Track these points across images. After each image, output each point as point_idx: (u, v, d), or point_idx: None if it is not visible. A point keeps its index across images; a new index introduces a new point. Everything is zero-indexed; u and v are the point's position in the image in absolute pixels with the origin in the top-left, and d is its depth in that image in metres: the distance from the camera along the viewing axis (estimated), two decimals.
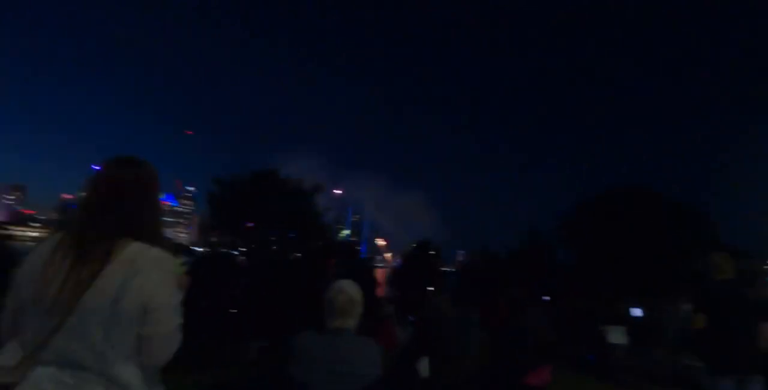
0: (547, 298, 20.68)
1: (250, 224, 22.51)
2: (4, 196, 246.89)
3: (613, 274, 18.22)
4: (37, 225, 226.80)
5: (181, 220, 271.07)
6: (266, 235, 22.70)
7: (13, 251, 4.88)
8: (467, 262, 28.35)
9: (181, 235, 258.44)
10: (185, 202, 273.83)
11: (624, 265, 18.53)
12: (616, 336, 6.62)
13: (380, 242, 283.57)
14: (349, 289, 2.46)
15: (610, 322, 7.01)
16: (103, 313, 1.36)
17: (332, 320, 2.34)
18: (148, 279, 1.43)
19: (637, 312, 7.44)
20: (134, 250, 1.46)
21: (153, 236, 1.55)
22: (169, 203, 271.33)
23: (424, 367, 3.35)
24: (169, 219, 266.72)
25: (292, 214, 21.65)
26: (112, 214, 1.51)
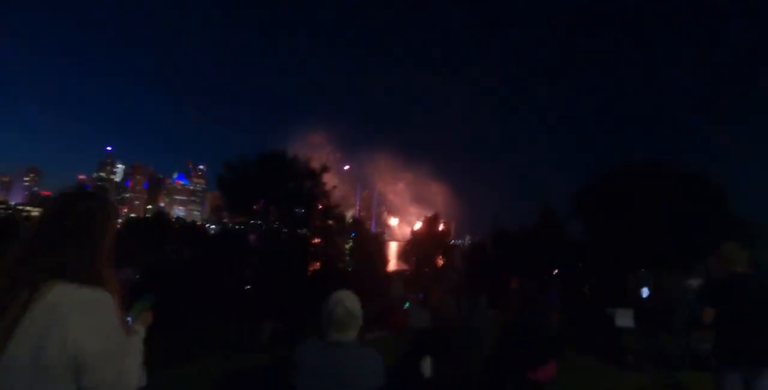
0: (556, 271, 20.70)
1: (257, 205, 22.68)
2: (21, 178, 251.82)
3: (625, 247, 18.07)
4: None
5: (194, 198, 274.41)
6: (275, 215, 22.88)
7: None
8: (475, 246, 28.49)
9: (194, 212, 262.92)
10: (197, 180, 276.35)
11: (637, 238, 18.33)
12: (624, 319, 6.55)
13: (391, 217, 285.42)
14: (347, 301, 2.32)
15: (619, 304, 6.95)
16: (25, 367, 1.21)
17: (331, 333, 2.24)
18: (73, 327, 1.25)
19: (645, 293, 7.36)
20: (58, 293, 1.30)
21: (89, 276, 1.38)
22: (181, 182, 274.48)
23: (426, 367, 3.30)
24: (181, 197, 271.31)
25: (299, 194, 21.72)
26: (51, 252, 1.37)
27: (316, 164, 23.53)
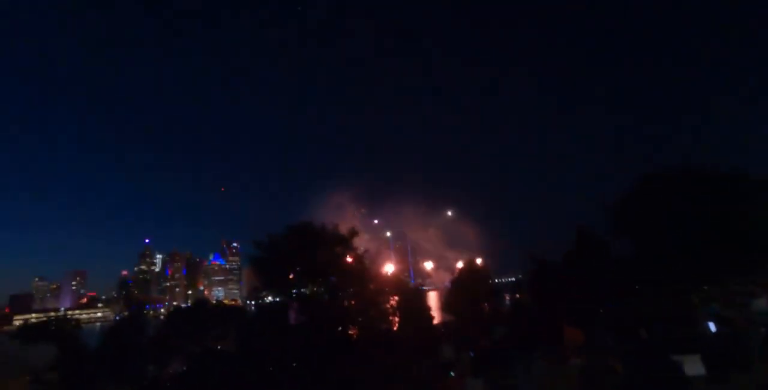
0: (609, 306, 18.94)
1: (291, 278, 22.73)
2: (69, 283, 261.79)
3: (679, 263, 16.68)
4: (101, 305, 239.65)
5: (231, 277, 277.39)
6: (311, 286, 22.80)
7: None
8: (517, 302, 27.02)
9: (233, 291, 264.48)
10: (232, 258, 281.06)
11: (692, 253, 16.82)
12: (693, 366, 5.66)
13: (427, 265, 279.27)
14: None
15: (683, 346, 6.10)
16: None
17: None
18: None
19: (712, 327, 6.63)
20: None
21: None
22: (217, 262, 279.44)
23: None
24: (219, 277, 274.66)
25: (331, 262, 21.75)
26: None
27: (344, 229, 23.77)
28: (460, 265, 37.12)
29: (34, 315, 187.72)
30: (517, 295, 24.64)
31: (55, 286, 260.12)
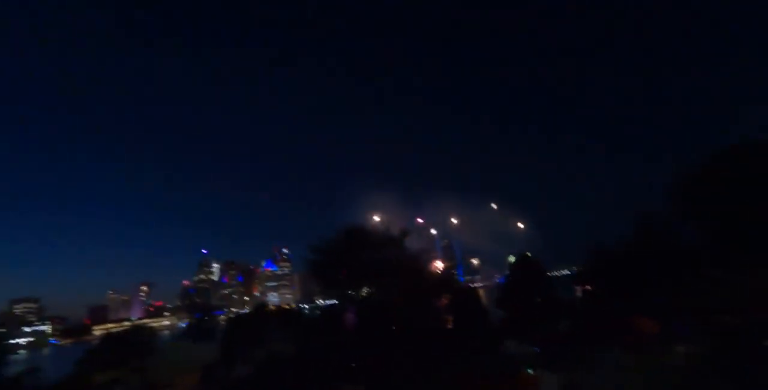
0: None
1: (344, 278, 23.20)
2: (137, 294, 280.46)
3: (757, 246, 15.33)
4: (167, 314, 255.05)
5: (284, 282, 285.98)
6: (365, 287, 23.18)
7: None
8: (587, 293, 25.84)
9: (286, 296, 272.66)
10: (283, 264, 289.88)
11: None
12: None
13: (475, 261, 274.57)
14: None
15: None
16: None
17: None
18: None
19: None
20: None
21: None
22: (270, 269, 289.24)
23: None
24: (272, 283, 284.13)
25: (384, 262, 22.00)
26: None
27: (394, 229, 23.99)
28: (511, 259, 36.35)
29: (110, 325, 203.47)
30: (587, 287, 23.66)
31: (126, 298, 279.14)
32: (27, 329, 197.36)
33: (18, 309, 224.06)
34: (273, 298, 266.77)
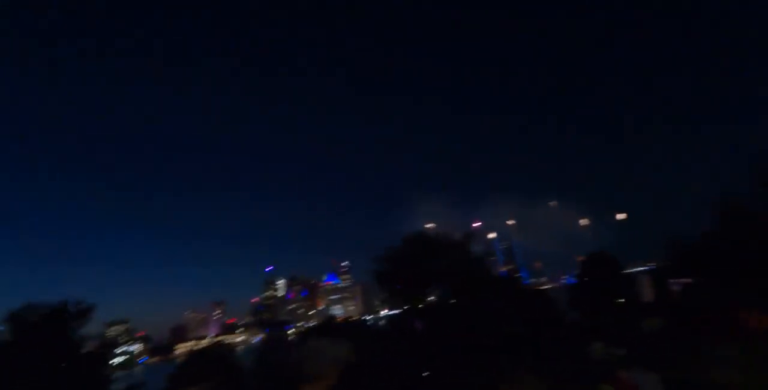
0: None
1: (408, 286, 23.33)
2: (212, 313, 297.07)
3: None
4: (239, 331, 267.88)
5: (346, 295, 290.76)
6: (434, 293, 23.22)
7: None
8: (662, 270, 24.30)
9: (349, 308, 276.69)
10: (344, 277, 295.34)
11: None
12: None
13: (538, 264, 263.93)
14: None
15: None
16: None
17: None
18: None
19: None
20: None
21: None
22: (332, 282, 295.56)
23: None
24: (335, 296, 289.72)
25: (452, 267, 21.96)
26: None
27: (457, 234, 23.95)
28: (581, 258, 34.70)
29: (191, 343, 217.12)
30: (680, 281, 22.08)
31: (202, 316, 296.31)
32: (118, 350, 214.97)
33: (111, 331, 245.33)
34: (337, 311, 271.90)
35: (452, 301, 22.25)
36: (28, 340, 16.09)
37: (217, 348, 41.47)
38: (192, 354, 41.52)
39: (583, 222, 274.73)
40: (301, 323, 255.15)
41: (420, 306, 23.79)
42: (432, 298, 22.95)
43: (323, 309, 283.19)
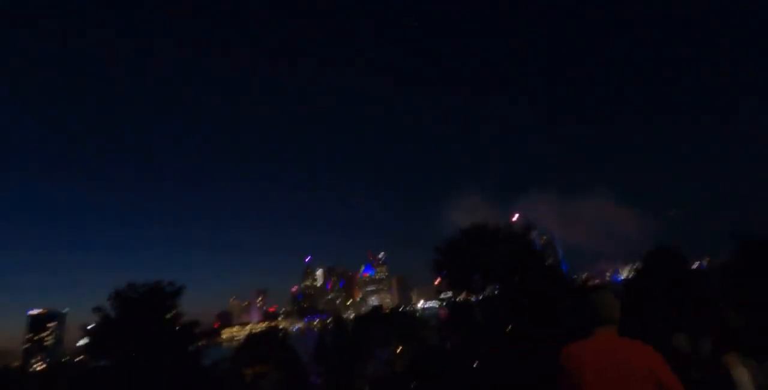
0: None
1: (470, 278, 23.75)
2: (255, 301, 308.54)
3: None
4: (280, 318, 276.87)
5: (382, 286, 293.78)
6: (491, 285, 23.51)
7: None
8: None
9: (386, 300, 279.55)
10: (380, 268, 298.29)
11: None
12: None
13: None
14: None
15: None
16: None
17: None
18: None
19: None
20: None
21: None
22: (368, 274, 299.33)
23: None
24: (371, 287, 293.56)
25: (512, 259, 22.11)
26: None
27: (518, 227, 24.04)
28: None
29: (235, 328, 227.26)
30: None
31: (246, 304, 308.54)
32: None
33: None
34: (373, 302, 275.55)
35: (512, 293, 22.49)
36: (131, 315, 17.91)
37: (273, 332, 43.64)
38: (250, 337, 43.93)
39: (628, 217, 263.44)
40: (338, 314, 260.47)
41: (479, 297, 24.18)
42: (491, 289, 23.26)
43: (359, 300, 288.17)
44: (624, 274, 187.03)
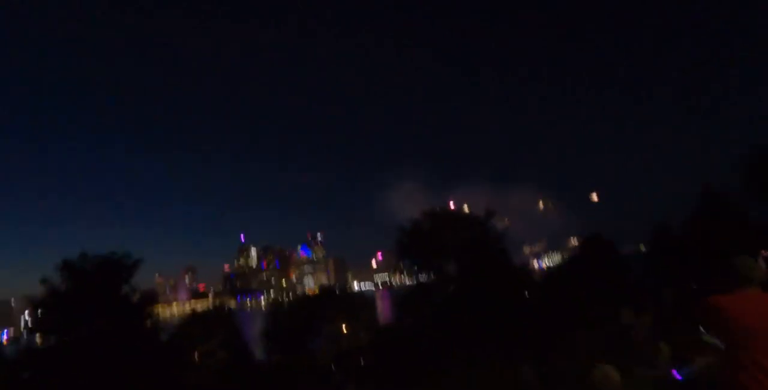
0: None
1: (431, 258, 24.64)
2: (183, 278, 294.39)
3: None
4: (210, 297, 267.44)
5: (319, 267, 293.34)
6: (448, 267, 24.58)
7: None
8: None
9: (322, 281, 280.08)
10: (317, 248, 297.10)
11: None
12: None
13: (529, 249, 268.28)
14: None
15: None
16: None
17: None
18: None
19: None
20: None
21: None
22: (305, 254, 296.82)
23: None
24: (308, 269, 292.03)
25: (470, 243, 23.20)
26: None
27: (479, 213, 25.12)
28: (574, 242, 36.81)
29: (159, 306, 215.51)
30: None
31: (172, 282, 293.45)
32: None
33: None
34: (309, 283, 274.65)
35: (472, 274, 23.70)
36: (84, 289, 16.51)
37: (218, 310, 42.33)
38: (194, 315, 42.24)
39: (546, 205, 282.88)
40: (273, 294, 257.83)
41: (439, 279, 25.17)
42: (451, 269, 24.33)
43: (294, 281, 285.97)
44: (547, 261, 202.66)
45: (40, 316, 16.48)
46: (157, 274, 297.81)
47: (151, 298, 19.24)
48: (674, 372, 4.39)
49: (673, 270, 23.88)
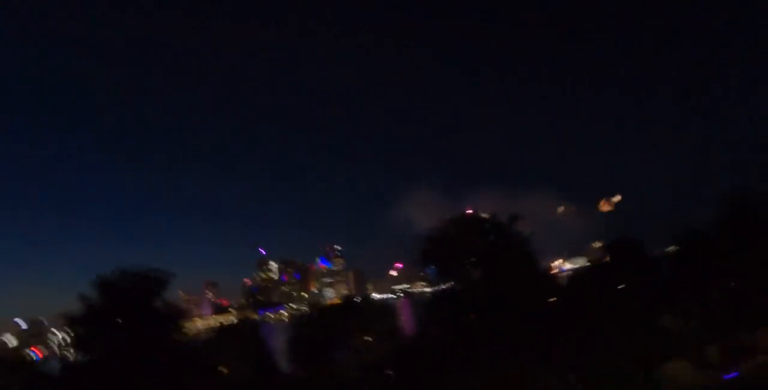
0: None
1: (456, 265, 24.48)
2: (204, 293, 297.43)
3: None
4: (232, 311, 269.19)
5: (339, 279, 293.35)
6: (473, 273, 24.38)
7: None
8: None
9: (342, 291, 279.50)
10: (336, 260, 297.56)
11: None
12: None
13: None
14: None
15: None
16: None
17: None
18: None
19: None
20: None
21: None
22: (325, 265, 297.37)
23: None
24: (328, 280, 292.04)
25: (493, 248, 23.02)
26: None
27: (503, 217, 24.91)
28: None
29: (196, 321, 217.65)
30: None
31: (194, 297, 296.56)
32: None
33: None
34: (329, 294, 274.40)
35: (498, 280, 23.44)
36: (120, 304, 17.00)
37: (245, 324, 42.90)
38: (221, 329, 42.82)
39: (565, 208, 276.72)
40: (294, 305, 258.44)
41: (462, 286, 24.94)
42: (477, 276, 24.11)
43: (315, 292, 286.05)
44: (570, 265, 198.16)
45: (78, 332, 16.99)
46: (180, 291, 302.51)
47: (181, 311, 19.60)
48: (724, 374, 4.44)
49: (713, 272, 23.32)
